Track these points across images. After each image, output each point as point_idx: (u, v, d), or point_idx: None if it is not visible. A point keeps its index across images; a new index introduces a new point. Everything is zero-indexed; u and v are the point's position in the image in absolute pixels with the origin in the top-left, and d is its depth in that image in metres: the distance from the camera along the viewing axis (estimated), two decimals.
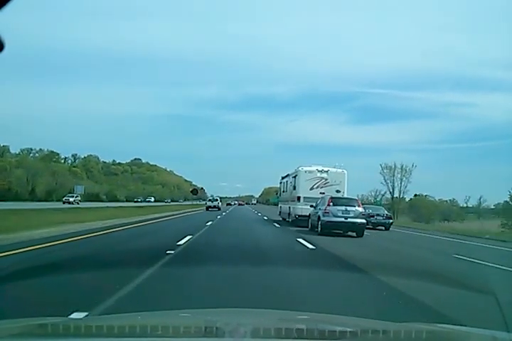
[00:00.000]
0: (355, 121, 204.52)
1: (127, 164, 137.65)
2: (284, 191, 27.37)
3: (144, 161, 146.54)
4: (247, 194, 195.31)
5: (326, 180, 21.11)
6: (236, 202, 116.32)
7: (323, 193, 19.86)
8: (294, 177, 22.57)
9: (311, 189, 20.88)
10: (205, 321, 2.15)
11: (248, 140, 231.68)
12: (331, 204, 16.63)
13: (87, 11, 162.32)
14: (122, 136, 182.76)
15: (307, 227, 18.72)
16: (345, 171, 21.76)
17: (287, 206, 24.50)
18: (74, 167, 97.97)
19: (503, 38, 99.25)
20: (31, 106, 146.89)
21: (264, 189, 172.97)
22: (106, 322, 2.10)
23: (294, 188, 22.30)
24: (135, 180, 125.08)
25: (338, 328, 2.01)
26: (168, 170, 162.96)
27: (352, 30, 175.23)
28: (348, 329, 1.99)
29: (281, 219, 27.64)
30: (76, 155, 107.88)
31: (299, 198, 21.06)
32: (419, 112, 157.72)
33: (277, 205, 33.59)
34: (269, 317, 2.36)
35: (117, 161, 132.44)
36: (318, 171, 21.33)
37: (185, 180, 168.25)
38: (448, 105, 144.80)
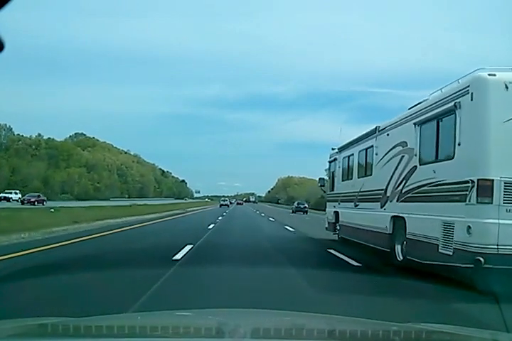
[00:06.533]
0: (356, 121, 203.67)
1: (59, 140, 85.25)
2: (353, 176, 11.63)
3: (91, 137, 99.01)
4: (246, 192, 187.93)
5: None
6: (238, 201, 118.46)
7: None
8: (447, 114, 6.55)
9: None
10: (204, 321, 2.17)
11: (248, 139, 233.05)
12: None
13: (86, 9, 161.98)
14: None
15: None
16: None
17: (381, 215, 8.93)
18: None
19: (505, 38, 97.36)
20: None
21: (279, 180, 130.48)
22: (106, 322, 2.08)
23: (453, 155, 6.28)
24: (41, 159, 75.91)
25: (338, 328, 2.03)
26: (124, 150, 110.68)
27: (354, 30, 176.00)
28: (348, 330, 2.01)
29: (336, 238, 12.95)
30: None
31: (486, 187, 5.56)
32: None
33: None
34: (269, 317, 2.36)
35: (52, 138, 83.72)
36: None
37: (138, 159, 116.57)
38: None
